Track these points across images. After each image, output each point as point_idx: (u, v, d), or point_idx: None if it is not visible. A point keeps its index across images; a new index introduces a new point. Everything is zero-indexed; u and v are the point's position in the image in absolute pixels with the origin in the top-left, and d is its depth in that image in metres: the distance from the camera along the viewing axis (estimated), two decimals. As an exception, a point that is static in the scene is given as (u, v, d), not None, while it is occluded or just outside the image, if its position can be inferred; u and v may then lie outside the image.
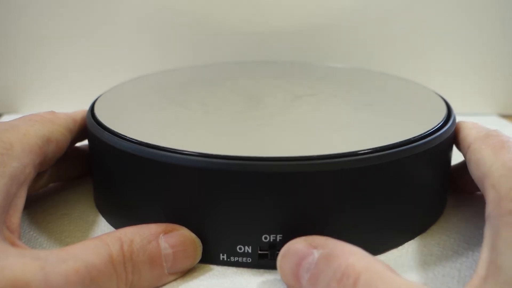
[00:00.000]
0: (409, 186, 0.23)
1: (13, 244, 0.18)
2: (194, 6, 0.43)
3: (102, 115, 0.26)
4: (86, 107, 0.28)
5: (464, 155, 0.23)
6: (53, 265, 0.17)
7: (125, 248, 0.19)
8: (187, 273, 0.22)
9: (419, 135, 0.23)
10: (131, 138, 0.22)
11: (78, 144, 0.29)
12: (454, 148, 0.26)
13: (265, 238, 0.21)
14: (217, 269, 0.22)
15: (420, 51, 0.45)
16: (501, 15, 0.44)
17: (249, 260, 0.22)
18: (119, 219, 0.25)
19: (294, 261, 0.19)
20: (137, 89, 0.32)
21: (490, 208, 0.18)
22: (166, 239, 0.21)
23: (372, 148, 0.21)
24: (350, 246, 0.19)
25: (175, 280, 0.21)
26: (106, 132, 0.23)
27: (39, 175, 0.25)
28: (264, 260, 0.21)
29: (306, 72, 0.37)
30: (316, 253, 0.19)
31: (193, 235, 0.21)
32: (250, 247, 0.21)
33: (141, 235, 0.20)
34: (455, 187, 0.27)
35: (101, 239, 0.19)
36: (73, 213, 0.26)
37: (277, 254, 0.21)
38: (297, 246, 0.19)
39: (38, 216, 0.26)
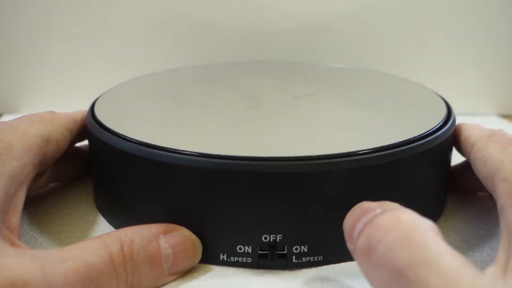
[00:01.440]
0: (409, 186, 0.23)
1: (12, 244, 0.18)
2: (194, 6, 0.43)
3: (102, 115, 0.26)
4: (86, 107, 0.28)
5: (468, 155, 0.23)
6: (53, 265, 0.17)
7: (125, 249, 0.19)
8: (187, 273, 0.21)
9: (419, 135, 0.23)
10: (131, 138, 0.22)
11: (78, 144, 0.29)
12: (454, 148, 0.26)
13: (265, 238, 0.21)
14: (217, 269, 0.22)
15: (420, 51, 0.45)
16: (501, 15, 0.44)
17: (249, 260, 0.22)
18: (119, 219, 0.25)
19: (356, 215, 0.18)
20: (137, 89, 0.32)
21: (502, 201, 0.19)
22: (166, 239, 0.21)
23: (372, 148, 0.21)
24: (409, 210, 0.17)
25: (175, 280, 0.21)
26: (106, 132, 0.23)
27: (39, 174, 0.25)
28: (264, 260, 0.21)
29: (306, 72, 0.37)
30: (378, 211, 0.17)
31: (193, 236, 0.21)
32: (250, 247, 0.21)
33: (141, 235, 0.20)
34: (455, 187, 0.27)
35: (101, 239, 0.19)
36: (73, 213, 0.26)
37: (277, 254, 0.21)
38: (367, 204, 0.18)
39: (38, 216, 0.26)
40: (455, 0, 0.43)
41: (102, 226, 0.25)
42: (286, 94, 0.30)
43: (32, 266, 0.16)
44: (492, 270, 0.16)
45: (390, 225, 0.16)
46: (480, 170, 0.22)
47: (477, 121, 0.25)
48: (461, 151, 0.25)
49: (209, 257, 0.22)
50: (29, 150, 0.21)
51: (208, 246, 0.22)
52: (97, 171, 0.26)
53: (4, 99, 0.45)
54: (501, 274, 0.16)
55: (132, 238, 0.20)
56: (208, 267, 0.22)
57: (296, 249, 0.21)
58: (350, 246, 0.18)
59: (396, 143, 0.22)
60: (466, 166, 0.23)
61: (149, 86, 0.33)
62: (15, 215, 0.20)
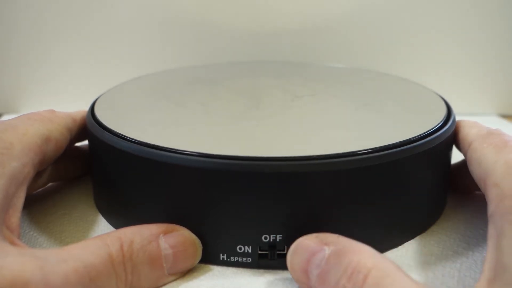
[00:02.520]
0: (409, 186, 0.23)
1: (12, 243, 0.18)
2: (194, 6, 0.43)
3: (102, 115, 0.26)
4: (86, 107, 0.28)
5: (464, 154, 0.23)
6: (53, 265, 0.17)
7: (125, 248, 0.19)
8: (187, 273, 0.21)
9: (419, 135, 0.23)
10: (131, 138, 0.22)
11: (78, 144, 0.29)
12: (454, 148, 0.26)
13: (265, 238, 0.21)
14: (217, 269, 0.22)
15: (420, 51, 0.45)
16: (501, 15, 0.44)
17: (249, 260, 0.22)
18: (119, 219, 0.25)
19: (304, 257, 0.19)
20: (137, 89, 0.32)
21: (493, 207, 0.18)
22: (166, 239, 0.20)
23: (372, 148, 0.21)
24: (362, 244, 0.19)
25: (175, 280, 0.21)
26: (106, 132, 0.23)
27: (38, 174, 0.25)
28: (264, 260, 0.21)
29: (306, 72, 0.37)
30: (327, 250, 0.19)
31: (193, 236, 0.21)
32: (250, 247, 0.21)
33: (141, 235, 0.20)
34: (455, 187, 0.27)
35: (101, 239, 0.19)
36: (73, 213, 0.26)
37: (277, 254, 0.21)
38: (308, 242, 0.20)
39: (38, 216, 0.26)
40: (455, 0, 0.43)
41: (102, 226, 0.25)
42: (286, 94, 0.30)
43: (32, 265, 0.16)
44: None
45: (362, 275, 0.17)
46: (475, 171, 0.21)
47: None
48: (459, 148, 0.25)
49: (209, 257, 0.22)
50: (29, 149, 0.21)
51: (208, 246, 0.22)
52: (97, 171, 0.26)
53: (4, 99, 0.45)
54: None
55: (132, 238, 0.20)
56: (208, 267, 0.22)
57: (296, 249, 0.21)
58: (304, 286, 0.19)
59: (396, 143, 0.22)
60: (466, 166, 0.23)
61: (149, 86, 0.33)
62: (15, 215, 0.20)
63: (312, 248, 0.19)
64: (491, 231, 0.18)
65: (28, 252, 0.17)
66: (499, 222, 0.17)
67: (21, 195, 0.21)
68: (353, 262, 0.17)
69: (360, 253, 0.18)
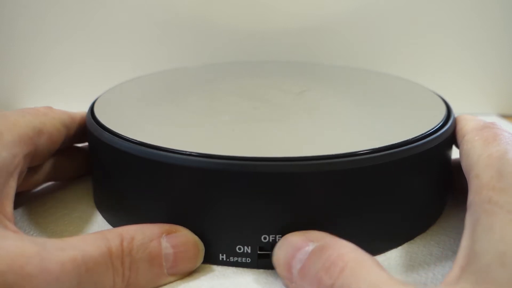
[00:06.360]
0: (409, 186, 0.23)
1: (11, 230, 0.18)
2: (194, 6, 0.43)
3: (102, 115, 0.26)
4: (86, 107, 0.28)
5: (458, 147, 0.23)
6: (51, 252, 0.17)
7: (125, 244, 0.19)
8: (186, 273, 0.22)
9: (418, 136, 0.23)
10: (131, 138, 0.22)
11: (78, 145, 0.29)
12: (454, 148, 0.26)
13: (264, 238, 0.21)
14: (217, 269, 0.22)
15: (420, 51, 0.45)
16: (501, 15, 0.44)
17: (248, 260, 0.22)
18: (119, 219, 0.25)
19: (289, 252, 0.20)
20: (137, 89, 0.32)
21: (471, 197, 0.18)
22: (168, 239, 0.20)
23: (372, 149, 0.21)
24: (344, 241, 0.19)
25: (175, 281, 0.21)
26: (106, 132, 0.23)
27: (33, 169, 0.25)
28: (264, 260, 0.21)
29: (306, 72, 0.37)
30: (311, 246, 0.19)
31: (196, 238, 0.21)
32: (249, 247, 0.21)
33: (143, 233, 0.20)
34: (456, 187, 0.27)
35: (101, 233, 0.19)
36: (73, 213, 0.26)
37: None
38: (294, 238, 0.20)
39: (38, 216, 0.26)
40: (455, 0, 0.43)
41: (102, 226, 0.25)
42: (286, 94, 0.30)
43: (30, 250, 0.16)
44: (447, 279, 0.16)
45: (339, 267, 0.17)
46: (463, 163, 0.21)
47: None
48: (455, 143, 0.25)
49: (209, 257, 0.22)
50: (19, 140, 0.21)
51: (208, 246, 0.22)
52: (97, 171, 0.26)
53: (4, 99, 0.45)
54: (454, 283, 0.16)
55: (133, 235, 0.20)
56: (208, 267, 0.22)
57: (296, 249, 0.21)
58: (287, 283, 0.20)
59: (396, 143, 0.22)
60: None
61: (149, 86, 0.33)
62: (9, 204, 0.20)
63: (298, 244, 0.20)
64: (468, 220, 0.18)
65: (27, 238, 0.18)
66: (476, 211, 0.17)
67: (13, 185, 0.21)
68: (332, 256, 0.18)
69: (340, 248, 0.18)
